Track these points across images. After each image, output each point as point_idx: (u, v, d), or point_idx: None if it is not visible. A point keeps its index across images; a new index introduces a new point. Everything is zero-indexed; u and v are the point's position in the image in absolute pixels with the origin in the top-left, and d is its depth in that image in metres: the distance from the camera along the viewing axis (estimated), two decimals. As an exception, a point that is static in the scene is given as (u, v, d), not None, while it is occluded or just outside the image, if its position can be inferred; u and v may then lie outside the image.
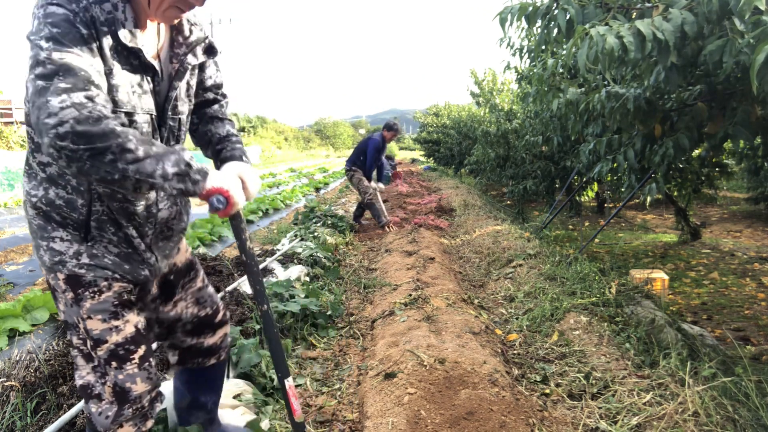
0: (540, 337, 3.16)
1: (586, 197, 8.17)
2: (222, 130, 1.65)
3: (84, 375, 1.43)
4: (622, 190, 4.53)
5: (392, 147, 42.99)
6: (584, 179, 6.38)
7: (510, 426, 2.01)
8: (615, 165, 3.67)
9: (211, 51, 1.54)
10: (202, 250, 5.67)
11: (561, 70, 3.14)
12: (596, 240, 6.60)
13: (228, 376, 2.39)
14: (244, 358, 2.46)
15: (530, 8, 2.34)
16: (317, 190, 14.47)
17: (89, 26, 1.18)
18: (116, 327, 1.38)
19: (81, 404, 2.08)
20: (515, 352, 3.02)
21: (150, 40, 1.36)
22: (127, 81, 1.28)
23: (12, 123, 18.24)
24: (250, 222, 8.30)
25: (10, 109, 20.40)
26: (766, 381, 2.30)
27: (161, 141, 1.40)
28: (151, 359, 1.47)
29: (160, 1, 1.25)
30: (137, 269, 1.44)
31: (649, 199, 3.44)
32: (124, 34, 1.24)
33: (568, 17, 2.24)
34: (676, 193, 5.96)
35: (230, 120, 1.70)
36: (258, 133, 46.79)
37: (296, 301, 3.32)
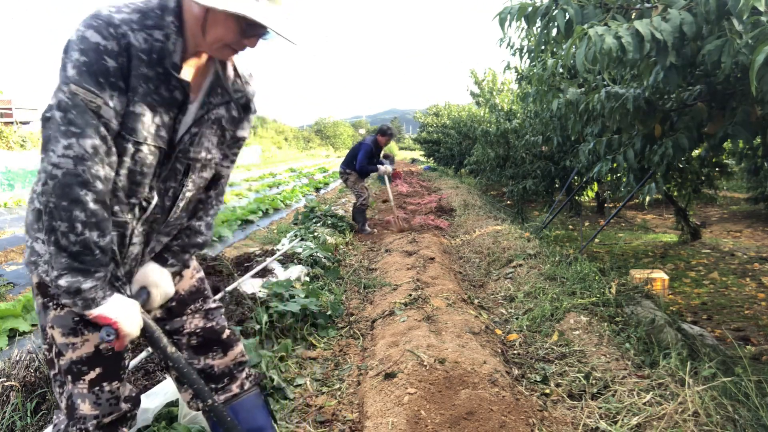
0: (540, 337, 3.17)
1: (586, 197, 8.18)
2: (192, 219, 1.52)
3: (53, 382, 1.43)
4: (622, 189, 4.53)
5: (392, 147, 42.99)
6: (584, 179, 6.39)
7: (510, 426, 2.01)
8: (615, 165, 3.67)
9: (246, 108, 1.47)
10: (202, 250, 5.66)
11: (561, 70, 3.15)
12: (596, 240, 6.60)
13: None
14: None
15: (530, 8, 2.34)
16: (317, 190, 14.47)
17: (120, 55, 1.17)
18: (73, 344, 1.35)
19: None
20: (515, 352, 3.02)
21: (187, 77, 1.32)
22: (149, 111, 1.24)
23: (12, 123, 18.25)
24: (249, 222, 8.23)
25: (10, 109, 20.43)
26: (766, 381, 2.30)
27: (159, 178, 1.33)
28: (105, 385, 1.40)
29: (214, 40, 1.24)
30: None
31: (648, 198, 3.45)
32: (171, 65, 1.24)
33: (567, 17, 2.24)
34: (676, 193, 5.96)
35: (214, 207, 1.56)
36: (258, 133, 46.90)
37: (296, 301, 3.33)
